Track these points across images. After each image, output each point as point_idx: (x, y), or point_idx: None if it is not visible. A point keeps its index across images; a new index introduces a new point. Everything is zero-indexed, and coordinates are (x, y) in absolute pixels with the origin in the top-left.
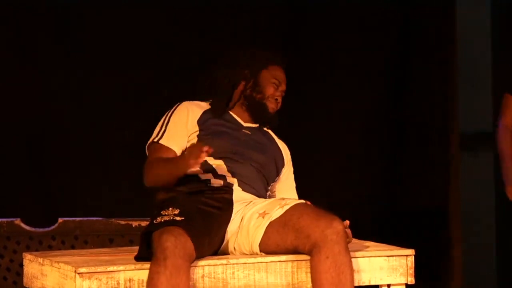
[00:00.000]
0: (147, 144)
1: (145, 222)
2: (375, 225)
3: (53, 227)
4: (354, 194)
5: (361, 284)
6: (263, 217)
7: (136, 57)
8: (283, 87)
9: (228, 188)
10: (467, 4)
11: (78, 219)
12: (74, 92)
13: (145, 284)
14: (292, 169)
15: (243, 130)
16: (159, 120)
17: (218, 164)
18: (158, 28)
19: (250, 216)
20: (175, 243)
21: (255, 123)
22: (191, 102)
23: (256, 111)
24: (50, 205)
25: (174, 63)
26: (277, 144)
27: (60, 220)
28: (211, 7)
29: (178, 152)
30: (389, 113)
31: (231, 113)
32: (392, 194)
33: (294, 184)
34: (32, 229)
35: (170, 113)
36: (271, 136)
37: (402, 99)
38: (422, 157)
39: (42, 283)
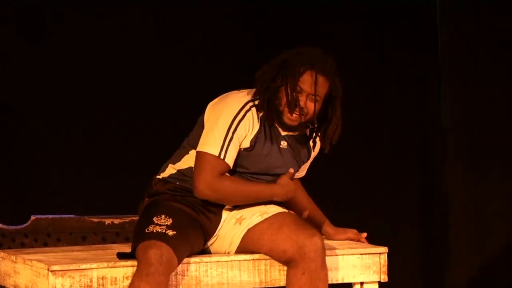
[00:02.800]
0: (202, 148)
1: (118, 220)
2: None
3: (25, 224)
4: None
5: (334, 282)
6: (240, 223)
7: (111, 54)
8: (308, 97)
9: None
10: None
11: (50, 216)
12: (44, 89)
13: (118, 282)
14: (311, 160)
15: (281, 142)
16: (210, 116)
17: None
18: (135, 29)
19: (227, 220)
20: (160, 260)
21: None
22: (252, 111)
23: (272, 118)
24: (23, 202)
25: (152, 63)
26: (309, 148)
27: (32, 217)
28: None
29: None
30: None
31: (276, 124)
32: None
33: (304, 169)
34: (5, 226)
35: (235, 125)
36: (308, 138)
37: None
38: None
39: (15, 281)
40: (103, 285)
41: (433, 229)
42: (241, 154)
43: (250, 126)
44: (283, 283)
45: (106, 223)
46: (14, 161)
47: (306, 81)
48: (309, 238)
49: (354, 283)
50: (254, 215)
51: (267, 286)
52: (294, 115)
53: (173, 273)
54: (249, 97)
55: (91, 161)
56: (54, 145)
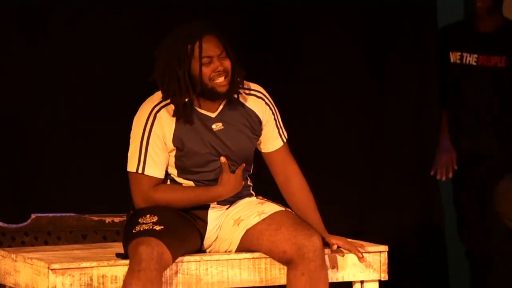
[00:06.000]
0: (128, 168)
1: (119, 218)
2: None
3: (26, 223)
4: None
5: (334, 281)
6: (238, 225)
7: (116, 55)
8: (218, 58)
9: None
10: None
11: (51, 215)
12: (43, 88)
13: (118, 280)
14: (273, 121)
15: (214, 126)
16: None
17: (190, 184)
18: (136, 29)
19: (225, 222)
20: (151, 255)
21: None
22: (161, 113)
23: (211, 98)
24: (23, 201)
25: (148, 64)
26: (250, 112)
27: (33, 216)
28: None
29: (163, 175)
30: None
31: (197, 109)
32: None
33: (277, 134)
34: (5, 225)
35: (146, 135)
36: (243, 105)
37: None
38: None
39: (15, 279)
40: (103, 283)
41: None
42: (179, 157)
43: (163, 128)
44: (283, 282)
45: (107, 222)
46: (14, 159)
47: (205, 49)
48: (308, 238)
49: (355, 282)
50: (252, 216)
51: (267, 285)
52: (219, 79)
53: (173, 272)
54: (155, 101)
55: (92, 159)
56: (54, 143)
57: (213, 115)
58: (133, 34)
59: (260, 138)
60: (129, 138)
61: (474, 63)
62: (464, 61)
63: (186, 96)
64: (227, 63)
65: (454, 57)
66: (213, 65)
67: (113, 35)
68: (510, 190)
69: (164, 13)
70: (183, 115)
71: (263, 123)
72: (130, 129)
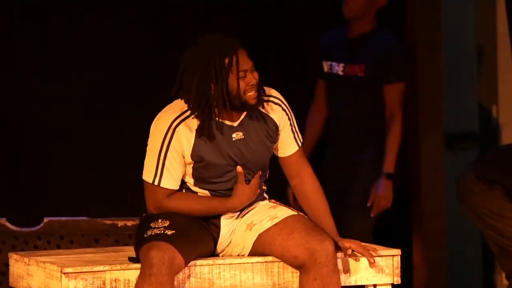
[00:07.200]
0: (143, 175)
1: (131, 222)
2: None
3: (38, 227)
4: None
5: (347, 284)
6: (250, 229)
7: (118, 55)
8: (250, 71)
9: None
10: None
11: (63, 218)
12: (57, 90)
13: (131, 284)
14: (289, 126)
15: (234, 135)
16: (147, 137)
17: (205, 193)
18: (138, 29)
19: (238, 226)
20: (162, 260)
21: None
22: (181, 127)
23: (239, 110)
24: (35, 204)
25: (155, 63)
26: (268, 120)
27: (45, 220)
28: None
29: (178, 186)
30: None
31: (218, 120)
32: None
33: (293, 139)
34: (18, 228)
35: (165, 148)
36: (262, 113)
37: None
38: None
39: (28, 283)
40: (116, 287)
41: None
42: (197, 168)
43: (182, 143)
44: (296, 286)
45: (119, 225)
46: (26, 163)
47: (241, 63)
48: (320, 243)
49: (367, 286)
50: (264, 220)
51: None
52: (251, 92)
53: (185, 275)
54: (175, 112)
55: (104, 163)
56: (67, 146)
57: (234, 124)
58: (133, 34)
59: (276, 143)
60: (143, 141)
61: (341, 73)
62: (333, 71)
63: (214, 112)
64: (257, 76)
65: (326, 67)
66: (247, 78)
67: (113, 35)
68: (475, 184)
69: (164, 13)
70: (207, 132)
71: (280, 129)
72: (145, 133)
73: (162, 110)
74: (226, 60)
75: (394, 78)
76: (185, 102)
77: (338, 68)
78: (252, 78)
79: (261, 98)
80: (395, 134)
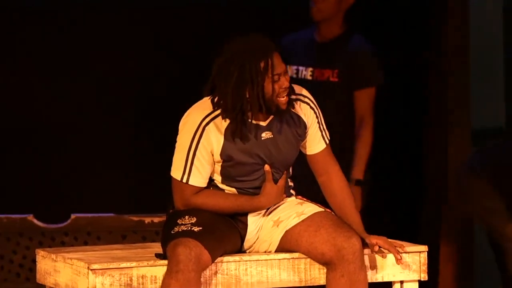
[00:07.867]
0: (171, 171)
1: (158, 219)
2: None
3: (65, 223)
4: None
5: (374, 281)
6: (277, 226)
7: (133, 53)
8: (283, 74)
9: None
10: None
11: (90, 215)
12: (80, 88)
13: (157, 280)
14: (317, 124)
15: (263, 135)
16: (176, 133)
17: (233, 191)
18: (140, 29)
19: (265, 223)
20: (189, 256)
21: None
22: (210, 126)
23: (270, 113)
24: (63, 201)
25: (168, 61)
26: (297, 119)
27: (72, 216)
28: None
29: (206, 183)
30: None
31: (249, 120)
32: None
33: (320, 136)
34: (45, 225)
35: (194, 146)
36: (291, 112)
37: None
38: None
39: (55, 279)
40: (143, 283)
41: None
42: (225, 167)
43: (211, 142)
44: (322, 282)
45: (146, 222)
46: (53, 160)
47: (276, 67)
48: (347, 240)
49: (394, 282)
50: (291, 217)
51: (306, 285)
52: (283, 96)
53: (212, 272)
54: (205, 110)
55: (132, 159)
56: (94, 143)
57: (264, 123)
58: (133, 34)
59: (304, 141)
60: (168, 137)
61: (309, 77)
62: (299, 76)
63: (247, 115)
64: (289, 78)
65: (290, 71)
66: (280, 81)
67: (113, 35)
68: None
69: (164, 13)
70: (240, 134)
71: (308, 127)
72: (170, 129)
73: (191, 107)
74: (262, 64)
75: (364, 83)
76: (217, 104)
77: (306, 73)
78: (285, 81)
79: (292, 102)
80: (366, 140)
